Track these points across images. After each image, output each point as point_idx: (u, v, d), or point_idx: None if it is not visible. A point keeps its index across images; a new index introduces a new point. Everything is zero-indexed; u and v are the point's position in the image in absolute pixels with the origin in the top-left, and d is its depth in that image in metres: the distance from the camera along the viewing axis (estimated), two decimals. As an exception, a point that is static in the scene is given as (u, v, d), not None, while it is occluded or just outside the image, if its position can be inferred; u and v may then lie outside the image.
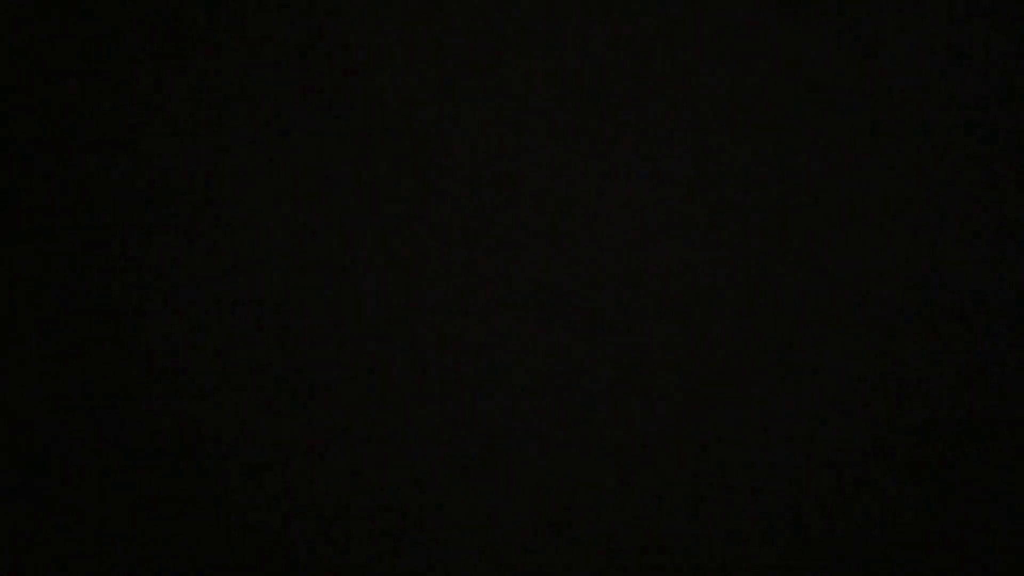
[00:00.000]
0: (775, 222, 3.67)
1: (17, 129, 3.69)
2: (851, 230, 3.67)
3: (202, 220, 3.69)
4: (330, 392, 3.66)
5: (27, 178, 3.69)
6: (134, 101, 3.71)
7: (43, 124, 3.70)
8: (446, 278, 3.68)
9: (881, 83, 3.70)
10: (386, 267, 3.68)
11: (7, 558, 3.62)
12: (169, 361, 3.67)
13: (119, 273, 3.69)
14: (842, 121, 3.70)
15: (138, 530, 3.64)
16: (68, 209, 3.69)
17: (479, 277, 3.67)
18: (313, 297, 3.68)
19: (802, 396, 3.65)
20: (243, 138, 3.70)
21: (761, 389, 3.64)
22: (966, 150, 3.69)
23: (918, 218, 3.68)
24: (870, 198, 3.68)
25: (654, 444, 3.64)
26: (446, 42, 3.71)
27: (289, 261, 3.68)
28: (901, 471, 3.63)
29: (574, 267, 3.68)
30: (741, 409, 3.64)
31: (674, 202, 3.68)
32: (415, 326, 3.67)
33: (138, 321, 3.68)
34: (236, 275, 3.69)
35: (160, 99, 3.71)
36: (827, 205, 3.68)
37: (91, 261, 3.69)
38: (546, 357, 3.67)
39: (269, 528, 3.64)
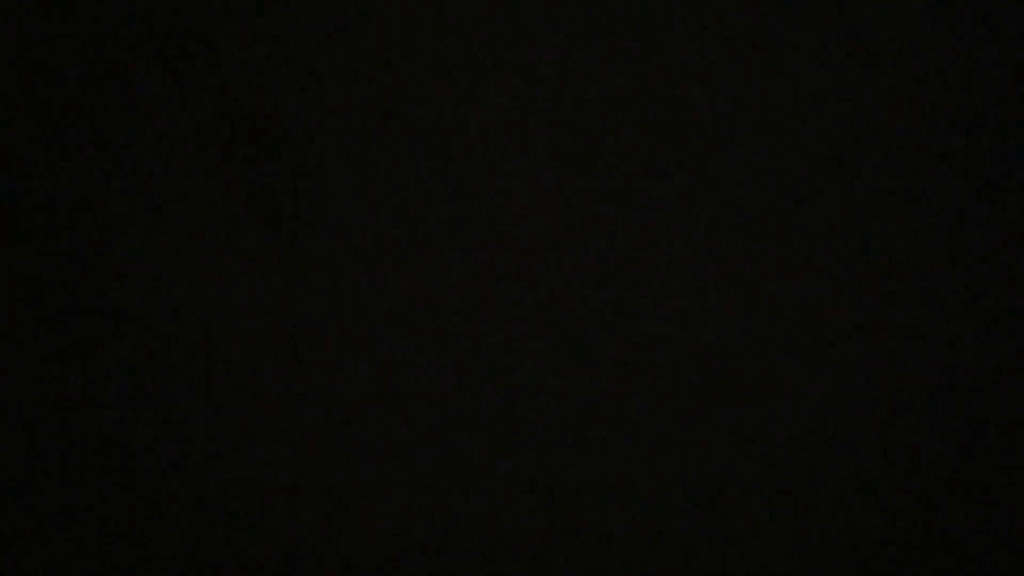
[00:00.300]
0: (775, 223, 3.67)
1: (17, 129, 3.69)
2: (851, 232, 3.67)
3: (199, 221, 3.69)
4: (328, 394, 3.66)
5: (26, 178, 3.69)
6: (133, 99, 3.71)
7: (43, 124, 3.70)
8: (444, 280, 3.68)
9: (883, 85, 3.70)
10: (386, 268, 3.68)
11: (7, 558, 3.62)
12: (169, 361, 3.67)
13: (120, 273, 3.69)
14: (844, 122, 3.70)
15: (137, 532, 3.64)
16: (67, 209, 3.69)
17: (477, 279, 3.68)
18: (313, 298, 3.68)
19: (802, 398, 3.65)
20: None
21: (761, 391, 3.64)
22: (967, 151, 3.69)
23: (918, 220, 3.68)
24: (871, 200, 3.68)
25: (654, 446, 3.64)
26: (444, 44, 3.71)
27: (288, 263, 3.68)
28: (903, 472, 3.63)
29: (574, 269, 3.68)
30: (740, 412, 3.64)
31: (674, 202, 3.68)
32: (415, 327, 3.67)
33: (137, 321, 3.68)
34: (235, 276, 3.69)
35: (159, 98, 3.71)
36: (828, 206, 3.68)
37: (92, 261, 3.69)
38: (547, 359, 3.67)
39: (269, 530, 3.64)
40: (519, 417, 3.65)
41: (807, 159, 3.69)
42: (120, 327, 3.68)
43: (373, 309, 3.68)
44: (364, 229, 3.69)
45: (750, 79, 3.69)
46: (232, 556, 3.63)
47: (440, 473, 3.65)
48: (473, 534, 3.63)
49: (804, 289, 3.66)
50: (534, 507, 3.63)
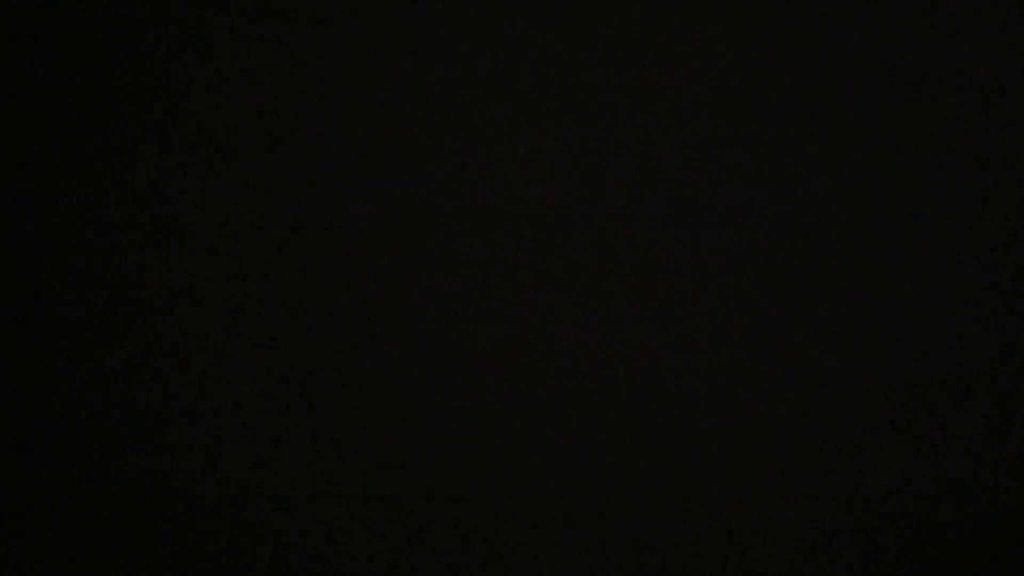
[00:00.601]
0: (775, 225, 3.67)
1: (17, 129, 3.69)
2: (852, 233, 3.68)
3: (200, 223, 3.69)
4: (326, 396, 3.67)
5: (27, 179, 3.69)
6: (135, 100, 3.71)
7: (44, 124, 3.70)
8: (444, 282, 3.68)
9: (883, 84, 3.70)
10: (386, 270, 3.68)
11: (7, 558, 3.63)
12: (169, 363, 3.67)
13: (123, 275, 3.69)
14: (845, 123, 3.70)
15: (137, 532, 3.65)
16: (68, 209, 3.69)
17: (478, 281, 3.67)
18: (311, 300, 3.68)
19: (800, 399, 3.65)
20: (242, 142, 3.70)
21: (761, 394, 3.65)
22: (968, 149, 3.69)
23: (919, 219, 3.68)
24: (871, 200, 3.68)
25: (653, 447, 3.64)
26: (443, 45, 3.71)
27: (287, 265, 3.68)
28: (902, 475, 3.63)
29: (572, 270, 3.68)
30: (740, 416, 3.64)
31: (673, 203, 3.68)
32: (417, 328, 3.67)
33: (137, 324, 3.68)
34: (235, 277, 3.69)
35: (159, 99, 3.71)
36: (829, 209, 3.68)
37: (93, 263, 3.69)
38: (549, 360, 3.67)
39: (268, 531, 3.64)
40: (517, 419, 3.66)
41: (804, 160, 3.69)
42: (120, 330, 3.68)
43: (372, 311, 3.68)
44: (365, 229, 3.69)
45: (755, 79, 3.69)
46: (229, 557, 3.64)
47: (438, 476, 3.65)
48: (471, 536, 3.64)
49: (807, 290, 3.66)
50: (533, 509, 3.64)
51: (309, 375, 3.67)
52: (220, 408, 3.66)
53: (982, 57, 3.68)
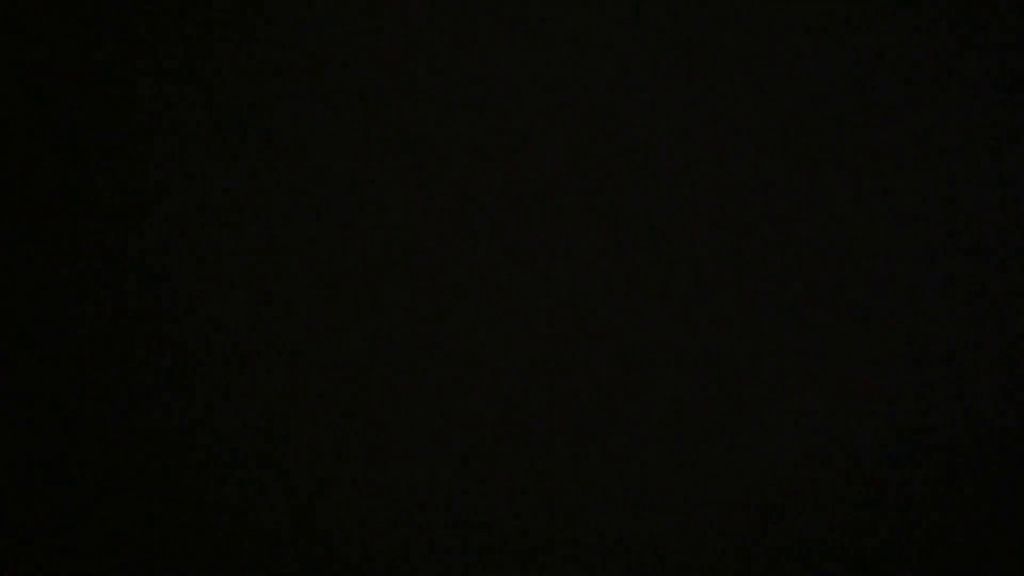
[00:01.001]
0: (775, 222, 3.67)
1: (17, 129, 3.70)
2: (850, 229, 3.67)
3: (198, 222, 3.70)
4: (326, 394, 3.67)
5: (27, 178, 3.70)
6: (133, 101, 3.72)
7: (43, 125, 3.71)
8: (442, 279, 3.68)
9: (882, 82, 3.69)
10: (383, 268, 3.68)
11: (7, 558, 3.64)
12: (166, 362, 3.68)
13: (120, 272, 3.70)
14: (843, 120, 3.69)
15: (136, 530, 3.65)
16: (67, 209, 3.70)
17: (477, 277, 3.68)
18: (308, 298, 3.68)
19: (797, 395, 3.64)
20: (238, 139, 3.70)
21: (759, 388, 3.64)
22: (969, 147, 3.69)
23: (918, 217, 3.67)
24: (870, 197, 3.67)
25: (652, 444, 3.64)
26: (439, 45, 3.71)
27: (284, 261, 3.69)
28: (900, 471, 3.63)
29: (572, 272, 3.67)
30: (739, 411, 3.64)
31: (671, 201, 3.68)
32: (414, 327, 3.67)
33: (139, 321, 3.69)
34: (232, 274, 3.69)
35: (158, 100, 3.71)
36: (827, 204, 3.68)
37: (91, 260, 3.69)
38: (548, 356, 3.67)
39: (267, 529, 3.65)
40: (517, 421, 3.66)
41: (805, 162, 3.68)
42: (119, 333, 3.69)
43: (371, 310, 3.68)
44: (365, 228, 3.69)
45: (754, 76, 3.69)
46: (225, 554, 3.64)
47: (435, 475, 3.65)
48: (467, 535, 3.64)
49: (803, 289, 3.66)
50: (529, 510, 3.64)
51: (308, 372, 3.67)
52: (218, 406, 3.67)
53: (983, 56, 3.68)
